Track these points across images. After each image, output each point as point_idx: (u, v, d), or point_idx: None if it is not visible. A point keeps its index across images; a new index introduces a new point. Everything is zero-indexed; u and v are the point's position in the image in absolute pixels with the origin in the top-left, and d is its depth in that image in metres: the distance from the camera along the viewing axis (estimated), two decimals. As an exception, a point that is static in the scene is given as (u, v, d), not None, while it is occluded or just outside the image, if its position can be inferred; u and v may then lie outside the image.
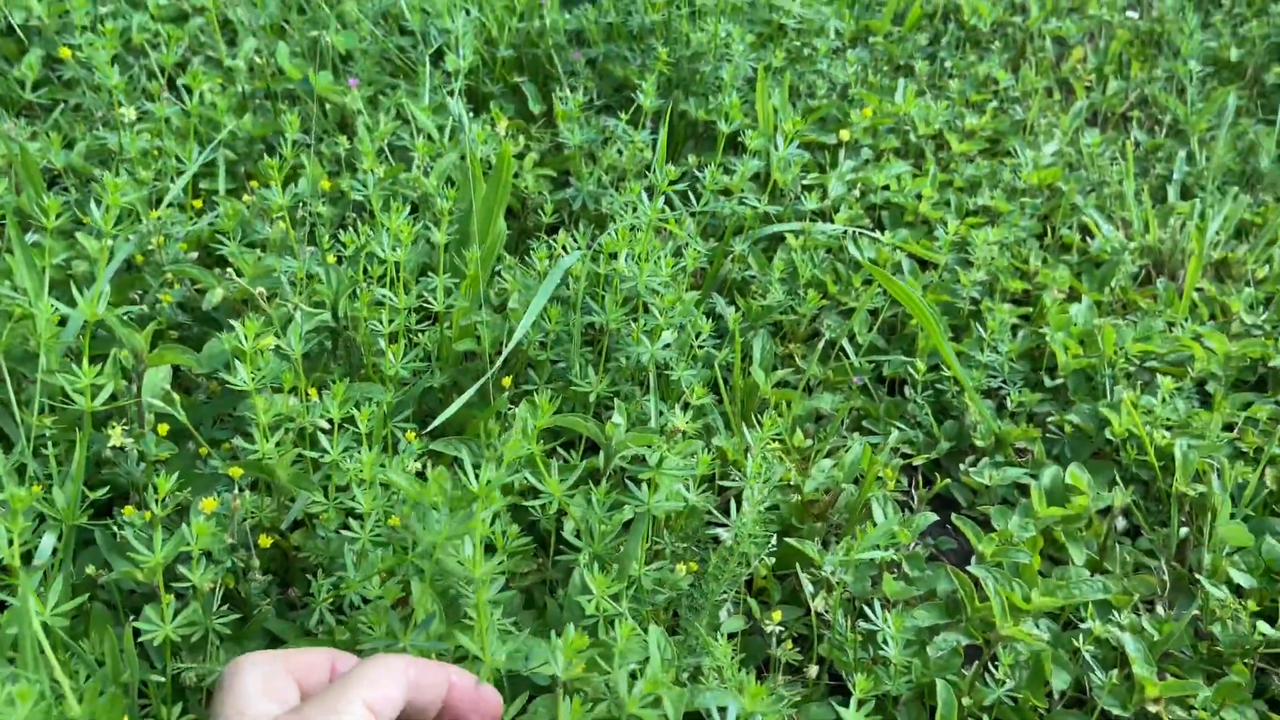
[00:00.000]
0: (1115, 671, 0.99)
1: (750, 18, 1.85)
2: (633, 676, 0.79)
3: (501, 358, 1.09)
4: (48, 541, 0.90)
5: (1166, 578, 1.12)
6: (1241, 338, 1.43)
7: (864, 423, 1.33)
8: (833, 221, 1.54)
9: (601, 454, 1.11)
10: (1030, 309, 1.46)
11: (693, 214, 1.42)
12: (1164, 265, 1.57)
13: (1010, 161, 1.69)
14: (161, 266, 1.25)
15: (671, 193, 1.46)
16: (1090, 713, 1.00)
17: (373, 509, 0.92)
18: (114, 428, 0.90)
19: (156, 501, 0.77)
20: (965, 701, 0.97)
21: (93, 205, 1.07)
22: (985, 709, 0.97)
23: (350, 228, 1.45)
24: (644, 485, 0.94)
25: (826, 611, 1.03)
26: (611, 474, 1.10)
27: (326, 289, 1.13)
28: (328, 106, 1.66)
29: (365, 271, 1.19)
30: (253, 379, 0.91)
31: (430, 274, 1.23)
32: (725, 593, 0.95)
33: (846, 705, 0.81)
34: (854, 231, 1.48)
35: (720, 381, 1.25)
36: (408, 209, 1.07)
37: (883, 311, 1.41)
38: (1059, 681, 1.00)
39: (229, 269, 1.22)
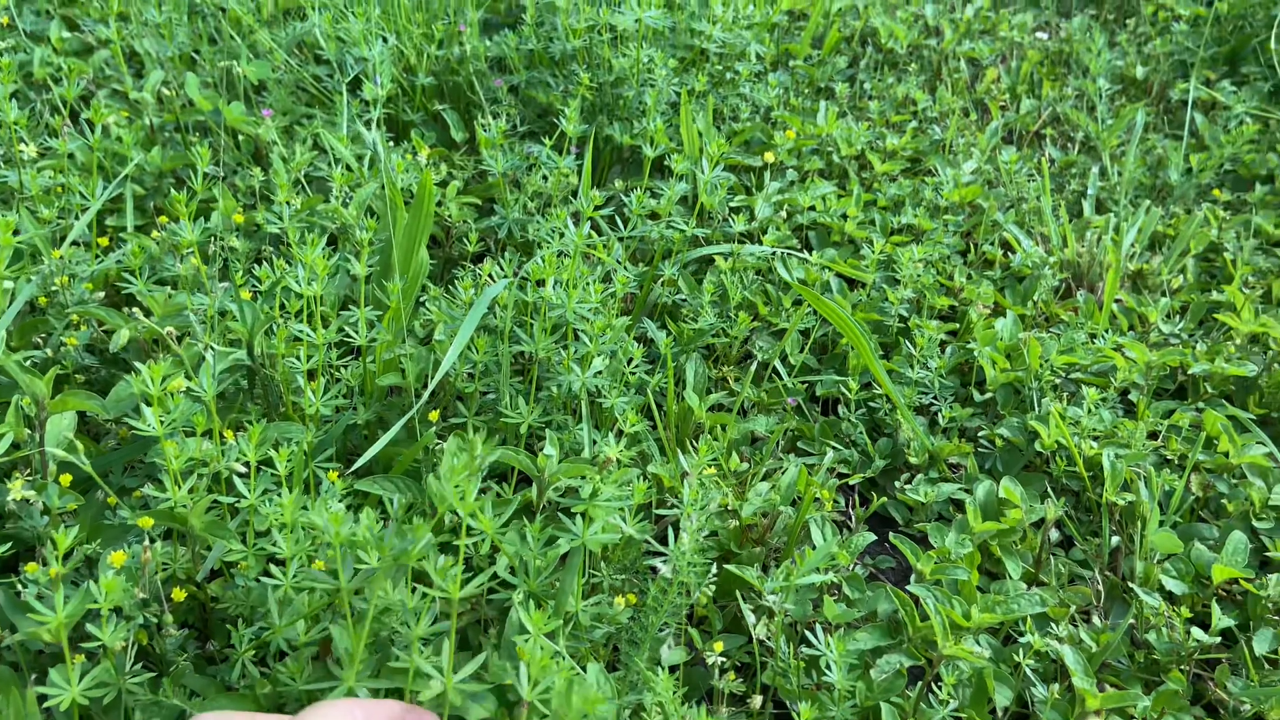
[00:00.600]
0: (1056, 685, 0.99)
1: (672, 43, 1.85)
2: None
3: (428, 391, 1.06)
4: (-59, 605, 0.84)
5: (1101, 587, 1.13)
6: (1160, 347, 1.46)
7: (799, 443, 1.32)
8: (761, 243, 1.54)
9: (534, 486, 1.08)
10: (957, 325, 1.48)
11: (621, 239, 1.40)
12: (1083, 278, 1.60)
13: (931, 180, 1.71)
14: (66, 308, 1.19)
15: (599, 218, 1.45)
16: (1034, 727, 1.00)
17: (295, 554, 0.88)
18: (15, 480, 0.85)
19: (57, 558, 0.72)
20: (910, 723, 0.96)
21: (-13, 245, 1.01)
22: (931, 730, 0.97)
23: (266, 262, 1.40)
24: (578, 518, 0.91)
25: (768, 638, 1.01)
26: (545, 507, 1.07)
27: (241, 326, 1.08)
28: (240, 138, 1.62)
29: (282, 307, 1.15)
30: (161, 423, 0.86)
31: (351, 307, 1.19)
32: (666, 625, 0.93)
33: (792, 736, 0.79)
34: (783, 253, 1.48)
35: (654, 407, 1.23)
36: (324, 241, 1.03)
37: (814, 331, 1.41)
38: (1002, 698, 1.00)
39: (137, 309, 1.17)
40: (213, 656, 0.97)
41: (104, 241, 1.32)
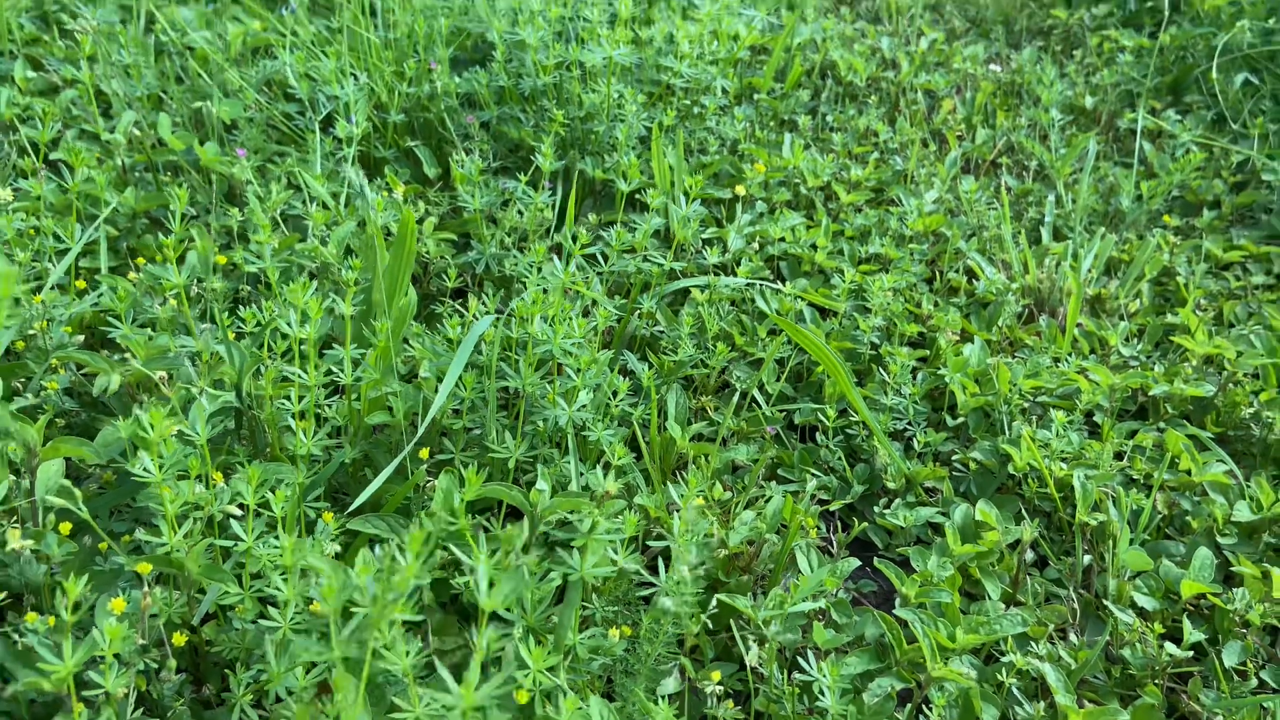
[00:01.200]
0: (1040, 703, 1.02)
1: (639, 78, 1.89)
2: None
3: (420, 430, 1.07)
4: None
5: (1076, 605, 1.16)
6: (1121, 369, 1.51)
7: (779, 471, 1.35)
8: (734, 274, 1.57)
9: (525, 520, 1.09)
10: (927, 351, 1.52)
11: (600, 274, 1.42)
12: (1044, 303, 1.65)
13: (896, 210, 1.76)
14: (46, 352, 1.18)
15: (579, 255, 1.47)
16: (1019, 745, 1.03)
17: (293, 596, 0.89)
18: (11, 530, 0.84)
19: (66, 607, 0.72)
20: (901, 745, 0.99)
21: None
22: (921, 750, 0.99)
23: (247, 302, 1.41)
24: (575, 552, 0.93)
25: (760, 665, 1.03)
26: (535, 541, 1.09)
27: (230, 369, 1.09)
28: (213, 177, 1.62)
29: (268, 348, 1.16)
30: (159, 471, 0.86)
31: (335, 346, 1.20)
32: (666, 657, 0.95)
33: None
34: (760, 285, 1.51)
35: (639, 438, 1.25)
36: (314, 285, 1.04)
37: (789, 361, 1.44)
38: (989, 717, 1.03)
39: (122, 352, 1.17)
40: (209, 701, 0.97)
41: (81, 284, 1.31)
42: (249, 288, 1.43)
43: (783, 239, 1.67)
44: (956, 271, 1.69)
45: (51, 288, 1.26)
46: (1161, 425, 1.42)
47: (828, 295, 1.54)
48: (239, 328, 1.20)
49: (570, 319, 1.21)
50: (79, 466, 1.16)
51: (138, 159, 1.61)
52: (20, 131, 1.58)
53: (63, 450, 0.95)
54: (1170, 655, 1.08)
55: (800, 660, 1.02)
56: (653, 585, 1.07)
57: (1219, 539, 1.25)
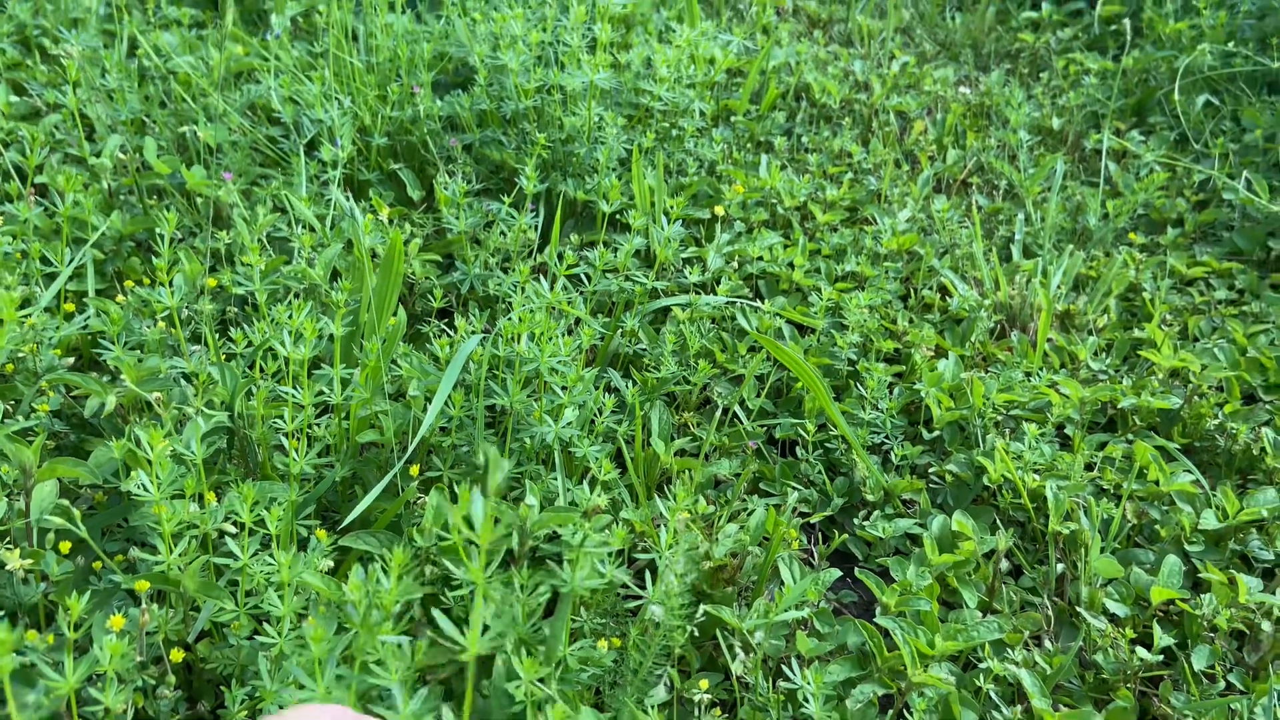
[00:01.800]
0: (1017, 707, 1.05)
1: (618, 100, 1.92)
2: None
3: (410, 448, 1.09)
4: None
5: (1050, 612, 1.20)
6: (1090, 383, 1.55)
7: (761, 485, 1.37)
8: (714, 292, 1.60)
9: (515, 535, 1.11)
10: (903, 366, 1.55)
11: (583, 294, 1.45)
12: (1016, 319, 1.70)
13: (870, 229, 1.80)
14: (35, 374, 1.19)
15: (563, 274, 1.50)
16: (997, 748, 1.06)
17: (289, 613, 0.90)
18: (13, 550, 0.86)
19: (68, 624, 0.74)
20: (884, 750, 1.01)
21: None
22: (903, 755, 1.02)
23: (235, 324, 1.42)
24: (565, 565, 0.95)
25: (745, 674, 1.06)
26: (522, 555, 1.11)
27: (223, 389, 1.10)
28: (199, 200, 1.63)
29: (260, 369, 1.17)
30: (157, 489, 0.88)
31: (323, 366, 1.22)
32: (657, 666, 0.97)
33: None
34: (740, 307, 1.55)
35: (624, 454, 1.27)
36: (308, 306, 1.06)
37: (770, 377, 1.47)
38: (967, 721, 1.06)
39: (111, 373, 1.18)
40: (203, 717, 0.98)
41: (69, 307, 1.32)
42: (236, 309, 1.45)
43: (761, 258, 1.70)
44: (930, 289, 1.73)
45: (43, 310, 1.27)
46: (1130, 437, 1.46)
47: (806, 313, 1.58)
48: (229, 349, 1.22)
49: (556, 337, 1.23)
50: (68, 487, 1.18)
51: (124, 182, 1.63)
52: (4, 156, 1.59)
53: (58, 471, 0.96)
54: (1141, 660, 1.11)
55: (784, 669, 1.04)
56: (639, 598, 1.10)
57: (1187, 547, 1.28)
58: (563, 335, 1.25)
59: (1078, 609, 1.19)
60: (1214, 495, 1.34)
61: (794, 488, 1.35)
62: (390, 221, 1.63)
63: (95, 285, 1.45)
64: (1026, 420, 1.46)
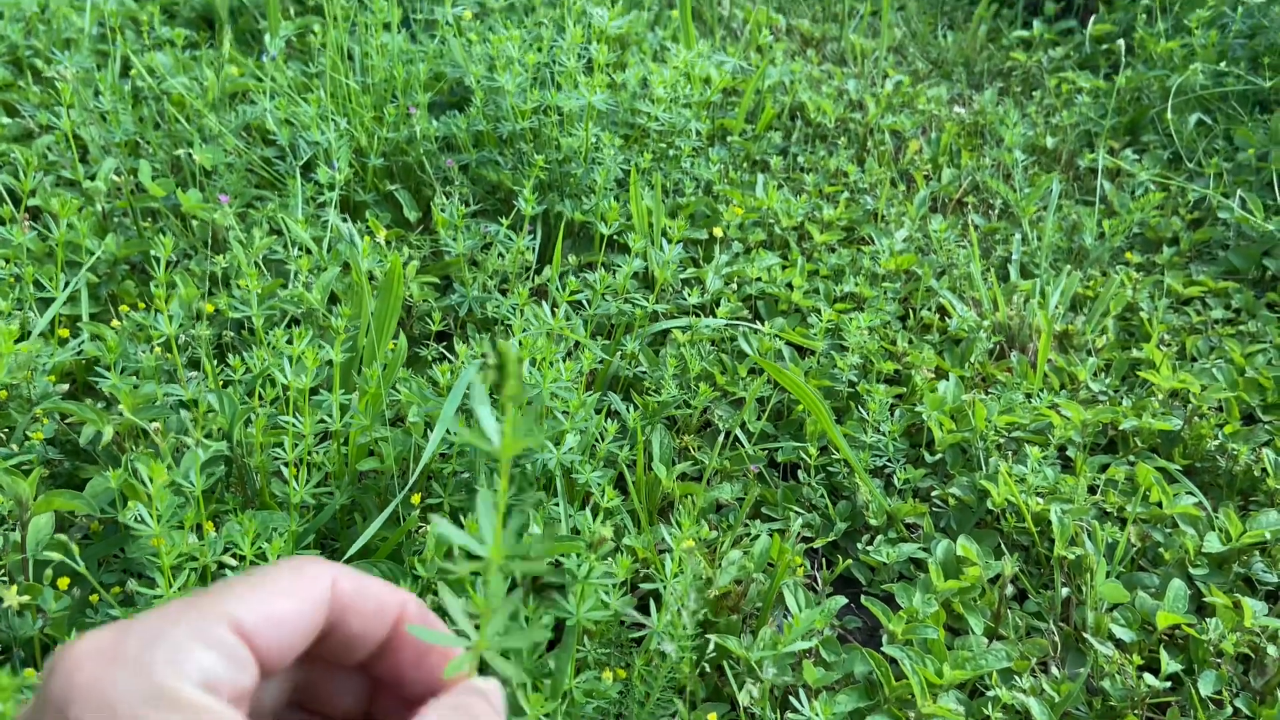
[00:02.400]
0: (1026, 735, 1.04)
1: (614, 120, 1.92)
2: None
3: (412, 477, 1.08)
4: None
5: (1057, 638, 1.19)
6: (1091, 404, 1.55)
7: (763, 509, 1.37)
8: (714, 314, 1.60)
9: (517, 565, 1.10)
10: (903, 388, 1.55)
11: (584, 318, 1.44)
12: (1015, 339, 1.69)
13: (868, 249, 1.80)
14: (30, 401, 1.17)
15: (563, 299, 1.49)
16: (1007, 778, 1.05)
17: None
18: (11, 586, 0.84)
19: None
20: (893, 781, 1.00)
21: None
22: (912, 786, 1.01)
23: (232, 348, 1.41)
24: (571, 596, 0.94)
25: (751, 704, 1.05)
26: (525, 585, 1.10)
27: (222, 418, 1.09)
28: (194, 223, 1.62)
29: (259, 395, 1.16)
30: (156, 521, 0.87)
31: (321, 391, 1.21)
32: (663, 698, 0.96)
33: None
34: (741, 330, 1.54)
35: (625, 478, 1.26)
36: (309, 334, 1.05)
37: (770, 399, 1.46)
38: (976, 751, 1.05)
39: (106, 400, 1.16)
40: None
41: (64, 333, 1.31)
42: (233, 334, 1.43)
43: (760, 279, 1.70)
44: (929, 309, 1.73)
45: (38, 336, 1.25)
46: (1132, 459, 1.46)
47: (805, 334, 1.57)
48: (227, 375, 1.20)
49: (557, 362, 1.22)
50: (64, 517, 1.16)
51: (118, 205, 1.61)
52: (-3, 178, 1.57)
53: (55, 504, 0.95)
54: (1149, 686, 1.10)
55: (792, 699, 1.03)
56: (643, 626, 1.08)
57: (1191, 570, 1.28)
58: (563, 359, 1.24)
59: (1084, 634, 1.19)
60: (1217, 517, 1.34)
61: (797, 512, 1.35)
62: (388, 244, 1.62)
63: (90, 309, 1.43)
64: (1028, 442, 1.46)
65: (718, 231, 1.71)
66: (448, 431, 1.18)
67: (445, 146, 1.87)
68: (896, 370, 1.59)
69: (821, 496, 1.37)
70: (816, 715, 0.96)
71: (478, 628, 0.43)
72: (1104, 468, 1.43)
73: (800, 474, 1.41)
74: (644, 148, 1.88)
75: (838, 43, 2.67)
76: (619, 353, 1.48)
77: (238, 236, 1.52)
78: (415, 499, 1.13)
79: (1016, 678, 1.12)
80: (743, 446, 1.43)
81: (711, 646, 0.99)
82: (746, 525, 1.32)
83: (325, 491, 1.15)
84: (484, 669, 0.46)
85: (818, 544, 1.32)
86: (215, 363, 1.22)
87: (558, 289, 1.25)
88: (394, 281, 1.26)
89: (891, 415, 1.49)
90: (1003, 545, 1.32)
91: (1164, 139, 2.26)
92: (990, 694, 1.09)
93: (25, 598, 0.85)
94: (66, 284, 1.33)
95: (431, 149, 1.79)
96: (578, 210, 1.73)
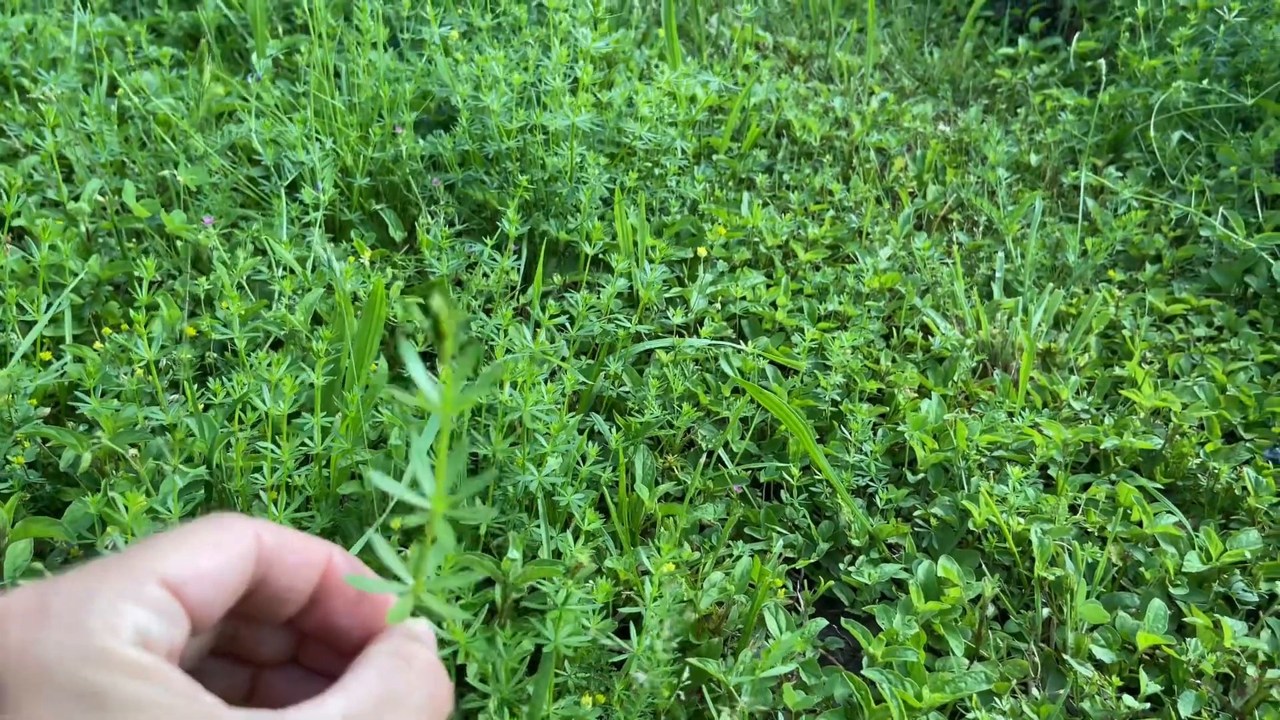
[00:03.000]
0: (1005, 758, 1.05)
1: (600, 139, 1.93)
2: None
3: (393, 502, 1.08)
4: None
5: (1038, 659, 1.19)
6: (1072, 423, 1.56)
7: (746, 530, 1.37)
8: (698, 333, 1.60)
9: (497, 588, 1.10)
10: (886, 407, 1.56)
11: (567, 339, 1.45)
12: (998, 358, 1.70)
13: (852, 268, 1.81)
14: (11, 425, 1.17)
15: (546, 321, 1.49)
16: (986, 801, 1.05)
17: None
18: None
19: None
20: (872, 805, 1.00)
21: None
22: (891, 810, 1.01)
23: (215, 370, 1.41)
24: (549, 622, 0.94)
25: (732, 728, 1.05)
26: (504, 610, 1.10)
27: (202, 442, 1.09)
28: (178, 243, 1.62)
29: (238, 419, 1.16)
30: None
31: (303, 414, 1.21)
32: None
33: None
34: (723, 351, 1.55)
35: (607, 499, 1.26)
36: (288, 360, 1.05)
37: (753, 419, 1.47)
38: (956, 774, 1.05)
39: (88, 423, 1.16)
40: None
41: (46, 355, 1.31)
42: (216, 355, 1.43)
43: (744, 298, 1.70)
44: (912, 328, 1.73)
45: (17, 359, 1.25)
46: (1113, 477, 1.47)
47: (789, 353, 1.58)
48: (208, 399, 1.20)
49: (539, 384, 1.23)
50: (44, 541, 1.16)
51: (103, 226, 1.61)
52: (-19, 199, 1.57)
53: (32, 531, 0.95)
54: (1129, 708, 1.11)
55: (771, 723, 1.03)
56: (625, 651, 1.08)
57: (1171, 589, 1.29)
58: (545, 381, 1.25)
59: (1064, 656, 1.19)
60: (1197, 536, 1.35)
61: (779, 532, 1.35)
62: (372, 264, 1.62)
63: (73, 331, 1.43)
64: (1010, 461, 1.46)
65: (702, 251, 1.71)
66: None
67: (431, 166, 1.87)
68: (880, 389, 1.60)
69: (804, 517, 1.37)
70: (795, 740, 0.97)
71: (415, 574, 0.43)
72: (1086, 486, 1.44)
73: (783, 494, 1.41)
74: (629, 166, 1.89)
75: (824, 60, 2.69)
76: (602, 373, 1.48)
77: (221, 258, 1.52)
78: (395, 524, 1.13)
79: (997, 699, 1.12)
80: (725, 467, 1.43)
81: (686, 674, 0.99)
82: (729, 546, 1.32)
83: (306, 515, 1.15)
84: (419, 614, 0.46)
85: (800, 565, 1.32)
86: (197, 386, 1.22)
87: (538, 310, 1.25)
88: (377, 303, 1.26)
89: (874, 435, 1.49)
90: (984, 565, 1.32)
91: (1147, 156, 2.28)
92: (970, 716, 1.09)
93: None
94: (49, 306, 1.33)
95: (417, 168, 1.80)
96: (563, 230, 1.74)
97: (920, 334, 1.72)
